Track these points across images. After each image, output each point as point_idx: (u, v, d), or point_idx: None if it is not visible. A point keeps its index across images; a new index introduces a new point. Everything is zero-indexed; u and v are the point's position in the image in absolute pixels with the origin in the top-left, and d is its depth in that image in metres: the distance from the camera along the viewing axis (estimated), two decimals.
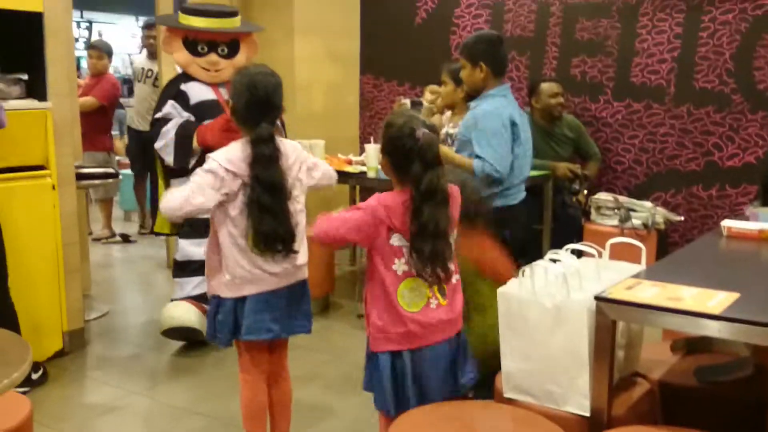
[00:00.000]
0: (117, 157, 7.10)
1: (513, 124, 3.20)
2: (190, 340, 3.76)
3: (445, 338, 2.15)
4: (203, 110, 3.61)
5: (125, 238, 6.30)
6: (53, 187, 3.50)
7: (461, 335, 2.21)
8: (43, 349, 3.51)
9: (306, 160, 2.49)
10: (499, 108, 3.17)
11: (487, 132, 3.10)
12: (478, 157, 3.13)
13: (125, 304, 4.72)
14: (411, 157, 2.05)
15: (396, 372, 2.10)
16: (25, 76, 3.50)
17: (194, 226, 3.62)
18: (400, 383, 2.10)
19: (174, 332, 3.69)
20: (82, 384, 3.42)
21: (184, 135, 3.50)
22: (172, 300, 3.77)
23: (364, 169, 4.43)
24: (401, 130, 2.07)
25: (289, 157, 2.40)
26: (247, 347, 2.47)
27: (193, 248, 3.63)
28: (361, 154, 5.08)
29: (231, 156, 2.33)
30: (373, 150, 4.34)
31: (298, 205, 2.43)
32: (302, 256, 2.47)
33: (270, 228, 2.30)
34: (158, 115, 3.65)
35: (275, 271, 2.38)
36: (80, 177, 3.99)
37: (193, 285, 3.65)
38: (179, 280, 3.75)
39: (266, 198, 2.29)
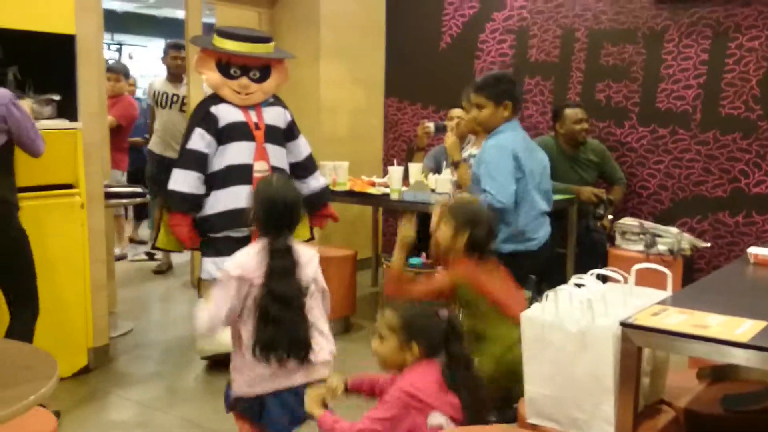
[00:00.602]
0: None
1: (515, 157, 3.22)
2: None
3: None
4: (232, 132, 3.63)
5: (150, 256, 6.37)
6: (82, 206, 3.56)
7: None
8: (69, 365, 3.55)
9: (319, 274, 2.50)
10: (502, 141, 3.21)
11: (490, 165, 3.16)
12: (483, 191, 3.17)
13: (149, 321, 4.75)
14: (441, 335, 2.18)
15: None
16: (57, 97, 3.57)
17: (214, 245, 3.63)
18: None
19: (216, 357, 3.68)
20: (106, 400, 3.44)
21: (171, 205, 3.59)
22: None
23: (387, 190, 4.46)
24: (428, 317, 2.22)
25: (303, 262, 2.41)
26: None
27: (216, 267, 3.64)
28: (384, 176, 5.10)
29: (242, 261, 2.35)
30: (396, 172, 4.36)
31: (315, 301, 2.45)
32: (322, 354, 2.42)
33: (270, 338, 2.30)
34: (189, 145, 3.61)
35: (291, 367, 2.35)
36: (108, 196, 4.05)
37: None
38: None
39: (275, 309, 2.30)
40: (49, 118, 3.49)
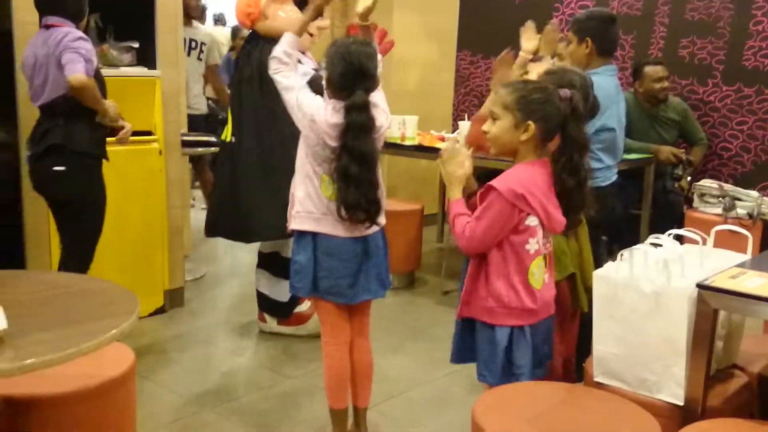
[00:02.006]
0: None
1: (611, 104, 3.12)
2: None
3: (552, 313, 2.16)
4: (311, 84, 3.38)
5: None
6: (160, 153, 3.65)
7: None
8: (146, 305, 3.68)
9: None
10: (602, 86, 3.08)
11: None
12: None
13: (221, 268, 4.89)
14: (564, 120, 2.05)
15: (510, 346, 2.09)
16: (136, 45, 3.65)
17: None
18: (511, 357, 2.09)
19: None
20: (179, 340, 3.57)
21: None
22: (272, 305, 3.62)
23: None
24: (552, 95, 2.05)
25: (381, 126, 2.39)
26: (326, 316, 2.50)
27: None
28: (454, 131, 5.06)
29: (318, 107, 2.34)
30: (466, 127, 4.31)
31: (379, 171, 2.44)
32: (383, 216, 2.45)
33: (354, 199, 2.30)
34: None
35: (342, 220, 2.36)
36: (184, 144, 4.14)
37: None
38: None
39: (354, 168, 2.28)
40: (128, 65, 3.59)
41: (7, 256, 3.32)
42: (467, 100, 5.82)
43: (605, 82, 3.14)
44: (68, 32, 2.90)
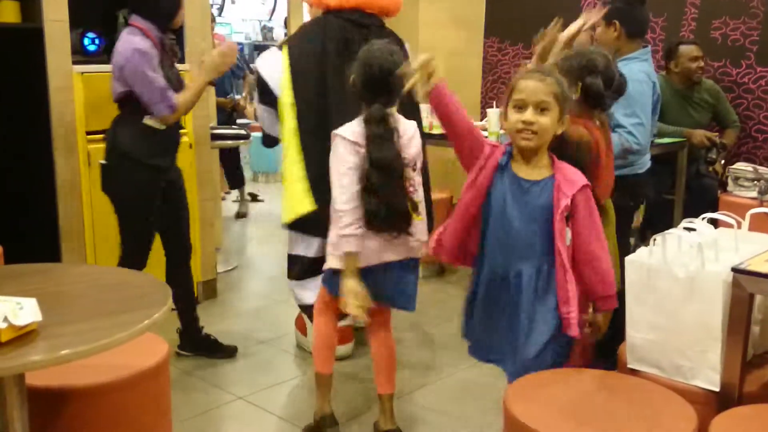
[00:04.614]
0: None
1: (654, 91, 3.08)
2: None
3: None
4: None
5: (254, 197, 6.57)
6: (190, 146, 3.68)
7: None
8: None
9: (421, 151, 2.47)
10: (643, 73, 3.02)
11: (634, 100, 2.91)
12: (619, 126, 2.95)
13: (253, 259, 4.93)
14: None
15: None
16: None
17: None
18: None
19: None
20: (213, 331, 3.59)
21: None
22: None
23: (484, 134, 4.38)
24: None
25: (406, 134, 2.38)
26: (324, 296, 2.52)
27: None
28: (482, 119, 5.02)
29: (354, 128, 2.34)
30: (495, 115, 4.28)
31: (418, 179, 2.43)
32: (416, 236, 2.42)
33: (376, 208, 2.28)
34: None
35: (384, 243, 2.36)
36: (214, 137, 4.17)
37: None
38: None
39: (376, 177, 2.27)
40: None
41: (42, 249, 3.39)
42: (495, 87, 5.77)
43: (646, 67, 3.08)
44: (125, 41, 2.84)
